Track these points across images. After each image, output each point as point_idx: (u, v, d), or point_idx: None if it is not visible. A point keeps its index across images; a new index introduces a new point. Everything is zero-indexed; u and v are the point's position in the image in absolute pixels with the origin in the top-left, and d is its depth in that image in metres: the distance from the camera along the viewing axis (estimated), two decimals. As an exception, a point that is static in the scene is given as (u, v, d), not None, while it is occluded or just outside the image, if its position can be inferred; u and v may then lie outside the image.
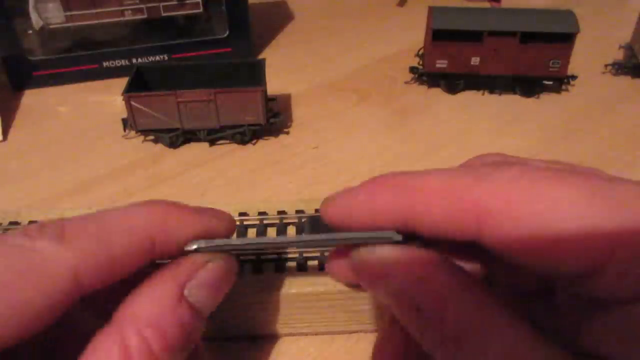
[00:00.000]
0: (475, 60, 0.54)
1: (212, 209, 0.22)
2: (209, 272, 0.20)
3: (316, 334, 0.29)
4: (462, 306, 0.17)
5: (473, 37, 0.53)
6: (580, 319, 0.18)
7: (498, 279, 0.21)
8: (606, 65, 0.59)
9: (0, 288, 0.16)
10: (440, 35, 0.53)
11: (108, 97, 0.56)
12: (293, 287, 0.27)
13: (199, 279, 0.19)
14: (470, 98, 0.56)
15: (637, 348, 0.16)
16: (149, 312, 0.18)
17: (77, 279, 0.17)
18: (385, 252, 0.19)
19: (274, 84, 0.52)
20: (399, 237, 0.19)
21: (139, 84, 0.48)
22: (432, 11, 0.54)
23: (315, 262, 0.28)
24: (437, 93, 0.57)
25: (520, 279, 0.21)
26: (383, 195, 0.19)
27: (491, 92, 0.56)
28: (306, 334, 0.29)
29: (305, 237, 0.21)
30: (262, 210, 0.32)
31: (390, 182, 0.19)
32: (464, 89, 0.57)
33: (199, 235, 0.20)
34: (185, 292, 0.19)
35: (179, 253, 0.20)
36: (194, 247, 0.20)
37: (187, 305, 0.19)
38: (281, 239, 0.21)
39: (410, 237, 0.19)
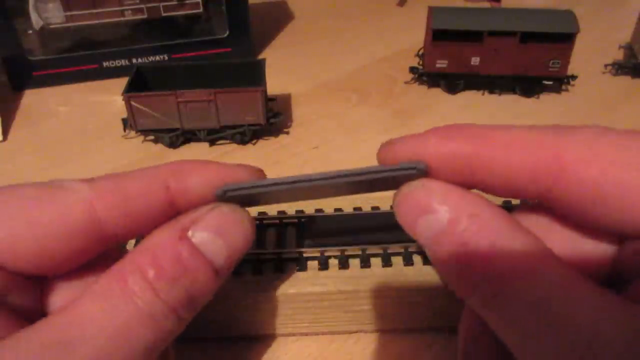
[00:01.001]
0: (475, 60, 0.54)
1: (235, 163, 0.22)
2: (213, 216, 0.20)
3: (316, 334, 0.29)
4: (513, 244, 0.17)
5: (473, 37, 0.53)
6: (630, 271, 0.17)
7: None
8: (606, 65, 0.59)
9: (21, 209, 0.18)
10: (440, 35, 0.53)
11: (108, 97, 0.56)
12: (293, 287, 0.27)
13: (204, 222, 0.20)
14: (470, 98, 0.56)
15: None
16: (147, 244, 0.19)
17: (92, 210, 0.19)
18: (434, 183, 0.19)
19: (274, 84, 0.52)
20: (423, 166, 0.18)
21: (139, 84, 0.48)
22: (432, 11, 0.54)
23: (315, 262, 0.28)
24: (437, 93, 0.57)
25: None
26: (454, 141, 0.18)
27: (491, 92, 0.56)
28: (306, 334, 0.29)
29: (332, 173, 0.20)
30: (262, 210, 0.32)
31: (463, 130, 0.19)
32: (464, 89, 0.57)
33: (219, 182, 0.20)
34: (189, 233, 0.19)
35: (204, 202, 0.20)
36: (221, 190, 0.20)
37: (189, 243, 0.19)
38: (308, 176, 0.20)
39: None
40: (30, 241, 0.18)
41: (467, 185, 0.19)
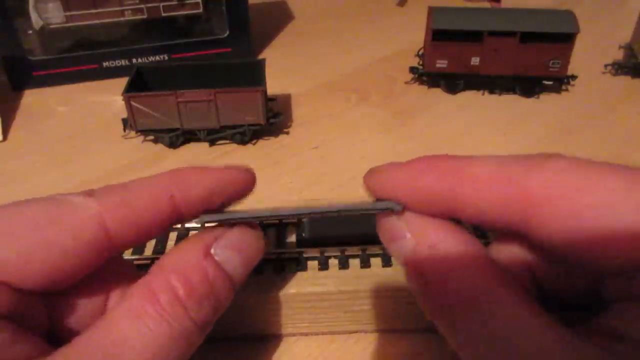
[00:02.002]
0: (475, 60, 0.54)
1: (227, 166, 0.23)
2: (234, 234, 0.21)
3: (316, 334, 0.29)
4: (464, 278, 0.18)
5: (473, 37, 0.53)
6: (605, 299, 0.18)
7: (536, 268, 0.21)
8: (606, 65, 0.59)
9: (34, 228, 0.18)
10: (440, 35, 0.53)
11: (108, 97, 0.56)
12: (293, 287, 0.27)
13: (225, 240, 0.21)
14: (470, 98, 0.56)
15: None
16: (174, 262, 0.20)
17: (103, 226, 0.19)
18: (406, 213, 0.20)
19: (274, 84, 0.52)
20: (400, 207, 0.20)
21: (139, 84, 0.48)
22: (432, 11, 0.54)
23: (315, 262, 0.28)
24: (437, 93, 0.57)
25: (555, 269, 0.20)
26: (430, 177, 0.19)
27: (491, 92, 0.56)
28: (306, 334, 0.29)
29: (312, 208, 0.22)
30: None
31: (439, 165, 0.19)
32: (464, 89, 0.57)
33: (219, 188, 0.21)
34: (212, 250, 0.20)
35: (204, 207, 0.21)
36: (204, 220, 0.21)
37: (213, 261, 0.20)
38: (288, 211, 0.22)
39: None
40: (43, 261, 0.18)
41: (445, 214, 0.19)
